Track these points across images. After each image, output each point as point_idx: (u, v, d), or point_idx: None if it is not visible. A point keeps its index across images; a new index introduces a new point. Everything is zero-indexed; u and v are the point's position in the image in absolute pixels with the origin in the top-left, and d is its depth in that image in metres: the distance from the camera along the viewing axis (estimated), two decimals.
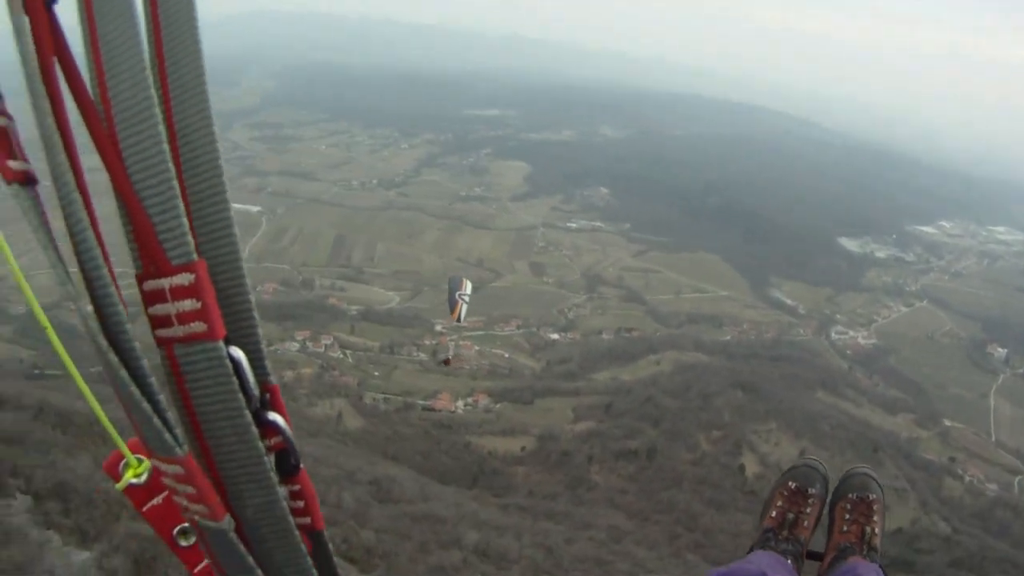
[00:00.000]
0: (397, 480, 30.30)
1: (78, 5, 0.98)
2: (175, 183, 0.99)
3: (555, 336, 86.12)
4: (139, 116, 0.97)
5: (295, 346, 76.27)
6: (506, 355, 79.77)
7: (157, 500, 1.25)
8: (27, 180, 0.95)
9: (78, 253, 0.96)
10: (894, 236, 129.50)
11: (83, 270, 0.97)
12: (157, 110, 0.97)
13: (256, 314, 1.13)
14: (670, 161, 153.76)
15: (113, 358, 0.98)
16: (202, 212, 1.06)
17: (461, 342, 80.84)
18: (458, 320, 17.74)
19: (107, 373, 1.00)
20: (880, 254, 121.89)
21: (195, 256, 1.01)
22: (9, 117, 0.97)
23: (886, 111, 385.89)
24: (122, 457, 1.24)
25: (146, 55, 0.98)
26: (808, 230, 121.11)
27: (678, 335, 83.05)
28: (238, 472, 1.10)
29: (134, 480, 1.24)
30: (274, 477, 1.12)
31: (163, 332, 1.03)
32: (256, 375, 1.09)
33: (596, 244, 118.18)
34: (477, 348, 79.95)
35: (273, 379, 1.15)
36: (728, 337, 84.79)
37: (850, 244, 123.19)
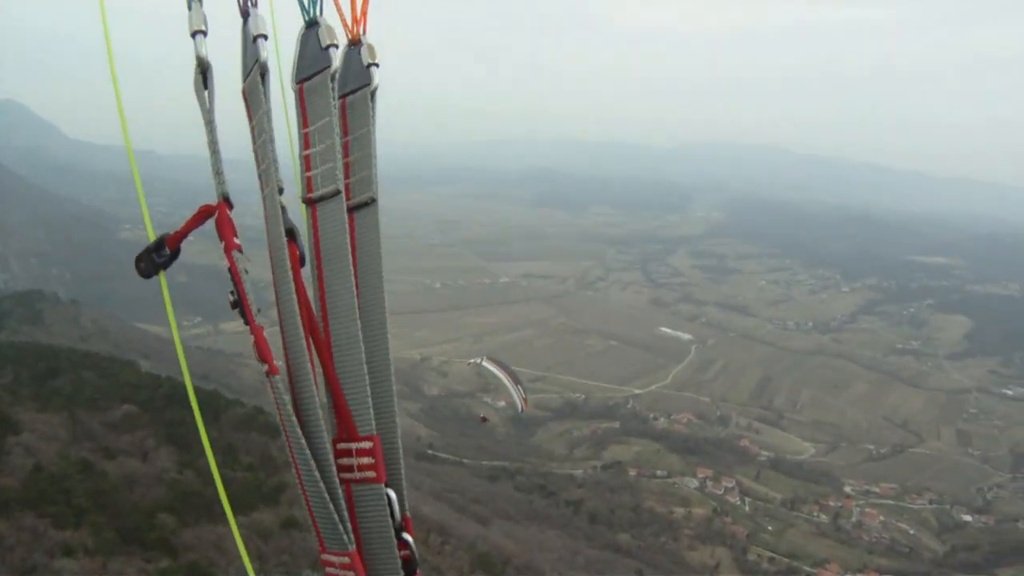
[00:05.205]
0: None
1: (312, 271, 1.83)
2: (368, 386, 1.77)
3: (967, 518, 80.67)
4: (350, 341, 1.78)
5: (693, 483, 78.38)
6: (911, 531, 76.66)
7: None
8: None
9: (297, 380, 1.71)
10: None
11: (297, 388, 1.70)
12: (360, 335, 1.79)
13: (404, 470, 1.87)
14: None
15: (316, 473, 1.65)
16: (377, 393, 1.82)
17: (867, 508, 79.70)
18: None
19: (307, 483, 1.68)
20: None
21: (374, 430, 1.77)
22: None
23: None
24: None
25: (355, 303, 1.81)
26: None
27: None
28: (380, 569, 1.79)
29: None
30: (403, 574, 1.83)
31: (345, 475, 1.76)
32: (400, 508, 1.81)
33: None
34: (882, 519, 78.07)
35: (408, 513, 1.84)
36: None
37: None
